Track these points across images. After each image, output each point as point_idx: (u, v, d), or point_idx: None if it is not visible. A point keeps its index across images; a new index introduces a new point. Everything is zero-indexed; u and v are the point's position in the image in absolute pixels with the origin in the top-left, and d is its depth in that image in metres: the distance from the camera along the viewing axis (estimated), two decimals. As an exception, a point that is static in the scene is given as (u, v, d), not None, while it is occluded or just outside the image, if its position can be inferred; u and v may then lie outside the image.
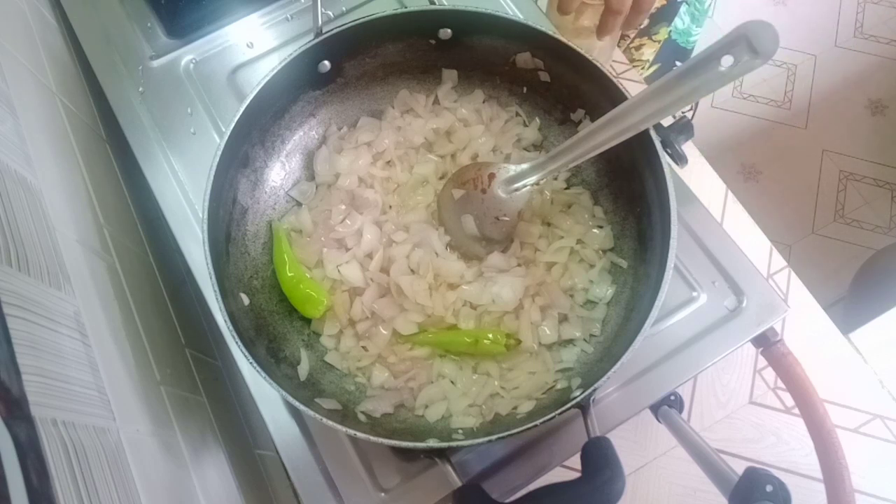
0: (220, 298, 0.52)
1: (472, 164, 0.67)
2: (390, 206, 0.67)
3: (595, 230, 0.65)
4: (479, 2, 0.63)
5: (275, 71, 0.59)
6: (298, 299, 0.62)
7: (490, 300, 0.62)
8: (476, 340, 0.60)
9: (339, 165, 0.67)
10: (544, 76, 0.66)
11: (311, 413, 0.50)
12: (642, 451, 0.74)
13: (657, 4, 1.00)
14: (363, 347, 0.62)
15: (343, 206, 0.65)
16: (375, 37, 0.64)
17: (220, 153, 0.56)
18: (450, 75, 0.69)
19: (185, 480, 0.53)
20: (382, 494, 0.59)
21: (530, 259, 0.65)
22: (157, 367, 0.58)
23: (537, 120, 0.69)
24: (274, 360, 0.57)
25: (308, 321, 0.63)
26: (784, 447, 0.74)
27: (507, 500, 0.47)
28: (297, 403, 0.50)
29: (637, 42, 1.09)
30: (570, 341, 0.62)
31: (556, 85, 0.67)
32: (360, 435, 0.49)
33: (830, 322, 0.77)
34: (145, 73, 0.74)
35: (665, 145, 0.56)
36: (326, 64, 0.64)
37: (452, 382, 0.61)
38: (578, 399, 0.50)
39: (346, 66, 0.66)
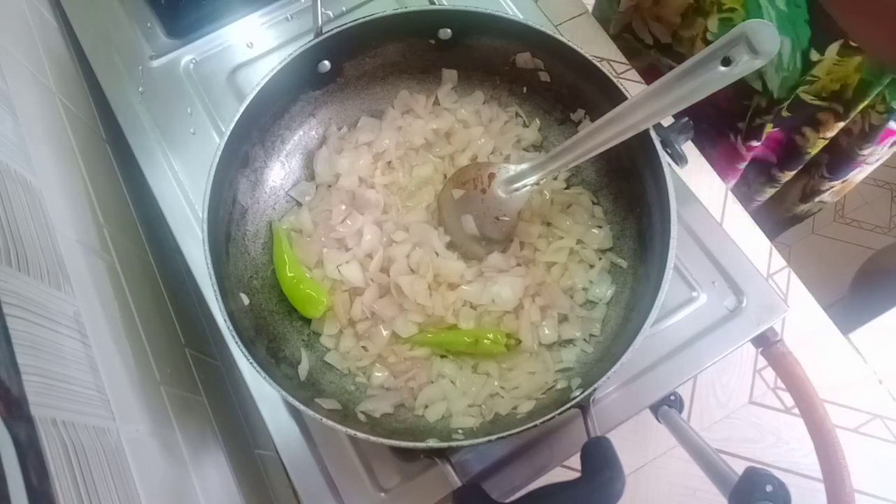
0: (220, 298, 0.52)
1: (473, 163, 0.67)
2: (391, 207, 0.67)
3: (595, 230, 0.65)
4: (479, 2, 0.63)
5: (275, 71, 0.59)
6: (298, 299, 0.62)
7: (490, 300, 0.62)
8: (476, 340, 0.60)
9: (340, 166, 0.67)
10: (544, 76, 0.66)
11: (311, 413, 0.50)
12: (642, 451, 0.74)
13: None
14: (363, 347, 0.62)
15: (343, 207, 0.65)
16: (375, 37, 0.64)
17: (220, 153, 0.56)
18: (450, 76, 0.69)
19: (185, 480, 0.53)
20: (382, 494, 0.59)
21: (530, 259, 0.65)
22: (157, 367, 0.58)
23: (537, 121, 0.69)
24: (274, 360, 0.57)
25: (308, 321, 0.63)
26: (784, 447, 0.74)
27: (507, 500, 0.47)
28: (297, 403, 0.50)
29: None
30: (570, 341, 0.62)
31: (556, 85, 0.67)
32: (360, 435, 0.49)
33: (830, 322, 0.76)
34: (145, 73, 0.74)
35: (665, 145, 0.56)
36: (326, 64, 0.64)
37: (452, 382, 0.61)
38: (578, 399, 0.50)
39: (346, 66, 0.66)
